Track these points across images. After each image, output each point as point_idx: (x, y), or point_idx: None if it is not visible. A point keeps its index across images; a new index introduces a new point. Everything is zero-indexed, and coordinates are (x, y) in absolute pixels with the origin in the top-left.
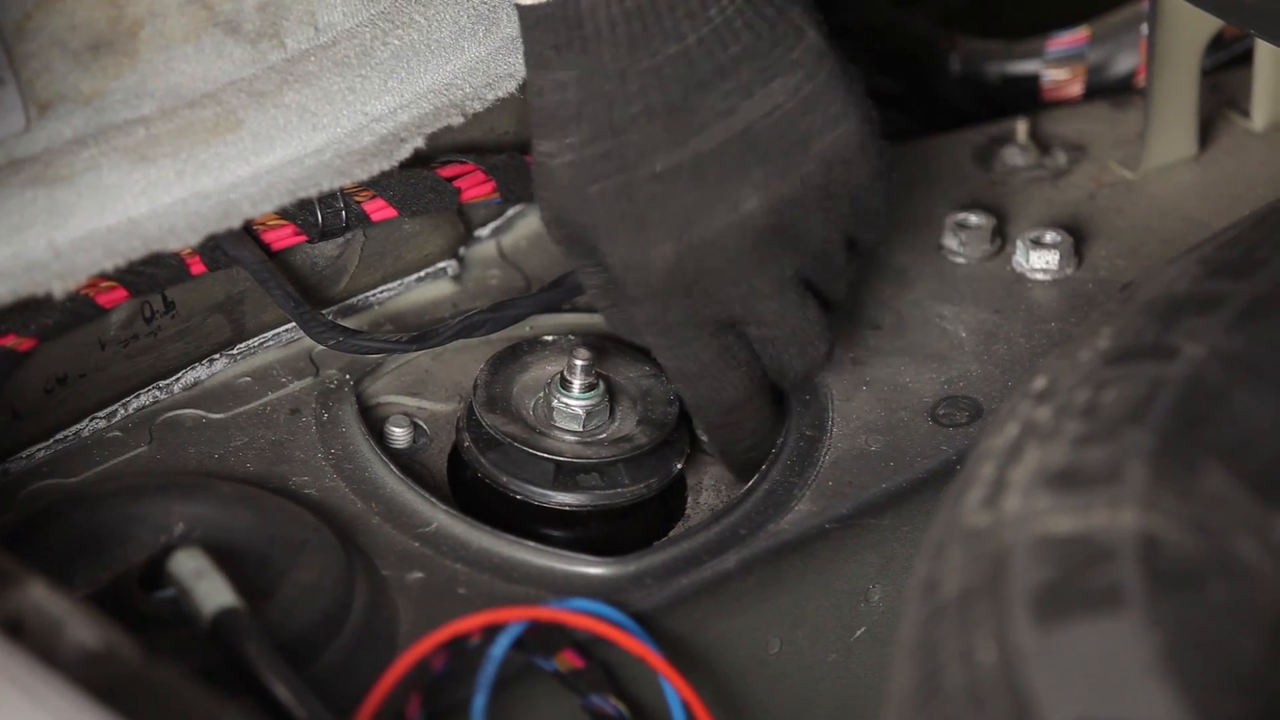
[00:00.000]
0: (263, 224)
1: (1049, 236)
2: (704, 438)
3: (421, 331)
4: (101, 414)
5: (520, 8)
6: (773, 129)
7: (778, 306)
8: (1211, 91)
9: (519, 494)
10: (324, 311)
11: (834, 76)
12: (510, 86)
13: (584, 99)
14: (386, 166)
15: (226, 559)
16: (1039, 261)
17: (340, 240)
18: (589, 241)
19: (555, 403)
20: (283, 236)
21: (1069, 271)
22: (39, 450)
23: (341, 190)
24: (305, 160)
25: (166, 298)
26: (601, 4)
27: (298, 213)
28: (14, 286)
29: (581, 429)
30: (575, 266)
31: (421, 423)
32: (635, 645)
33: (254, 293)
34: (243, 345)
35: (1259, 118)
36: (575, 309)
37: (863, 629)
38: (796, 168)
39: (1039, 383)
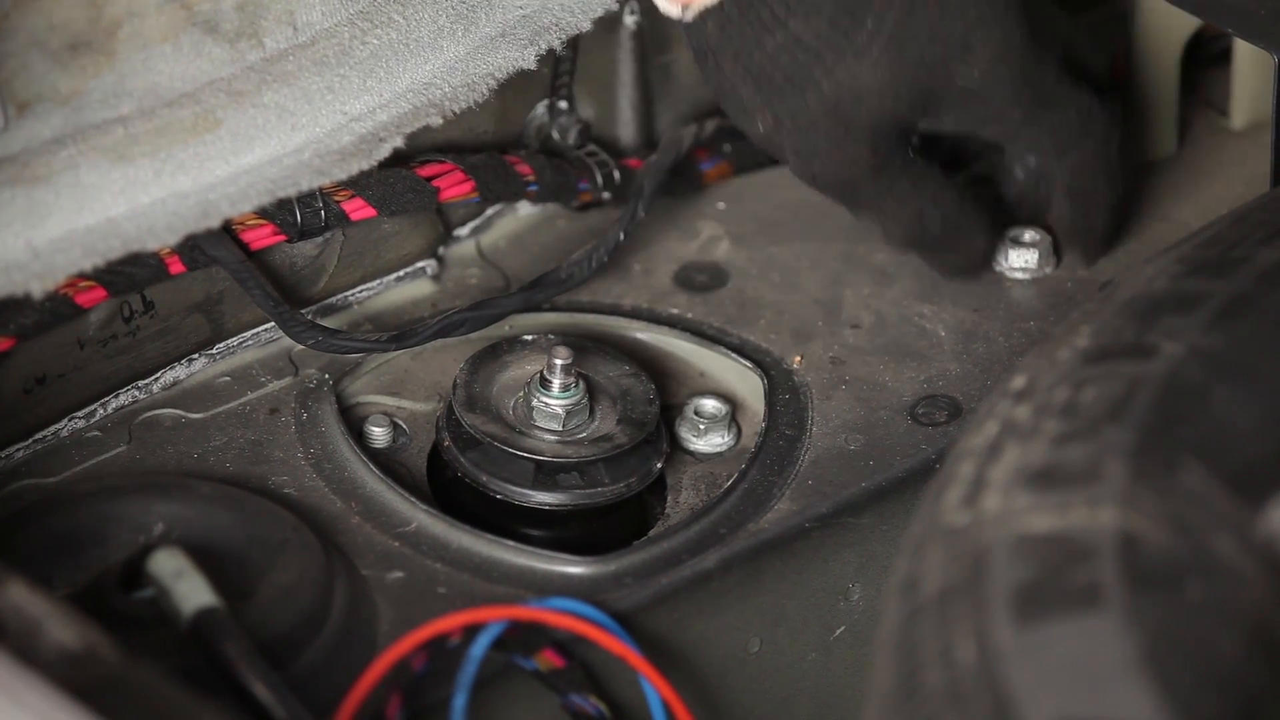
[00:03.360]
0: (241, 223)
1: (1028, 235)
2: None
3: (401, 331)
4: (80, 414)
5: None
6: None
7: None
8: (1190, 90)
9: (499, 493)
10: (303, 311)
11: None
12: (490, 86)
13: None
14: (365, 166)
15: (206, 559)
16: (1018, 260)
17: (319, 240)
18: (943, 85)
19: (535, 402)
20: (261, 236)
21: (1048, 270)
22: (18, 450)
23: (320, 190)
24: (284, 160)
25: (145, 297)
26: None
27: (276, 212)
28: None
29: (561, 428)
30: (963, 117)
31: (401, 422)
32: (615, 644)
33: (233, 292)
34: (222, 345)
35: (1237, 117)
36: (555, 308)
37: (842, 628)
38: None
39: (1018, 381)
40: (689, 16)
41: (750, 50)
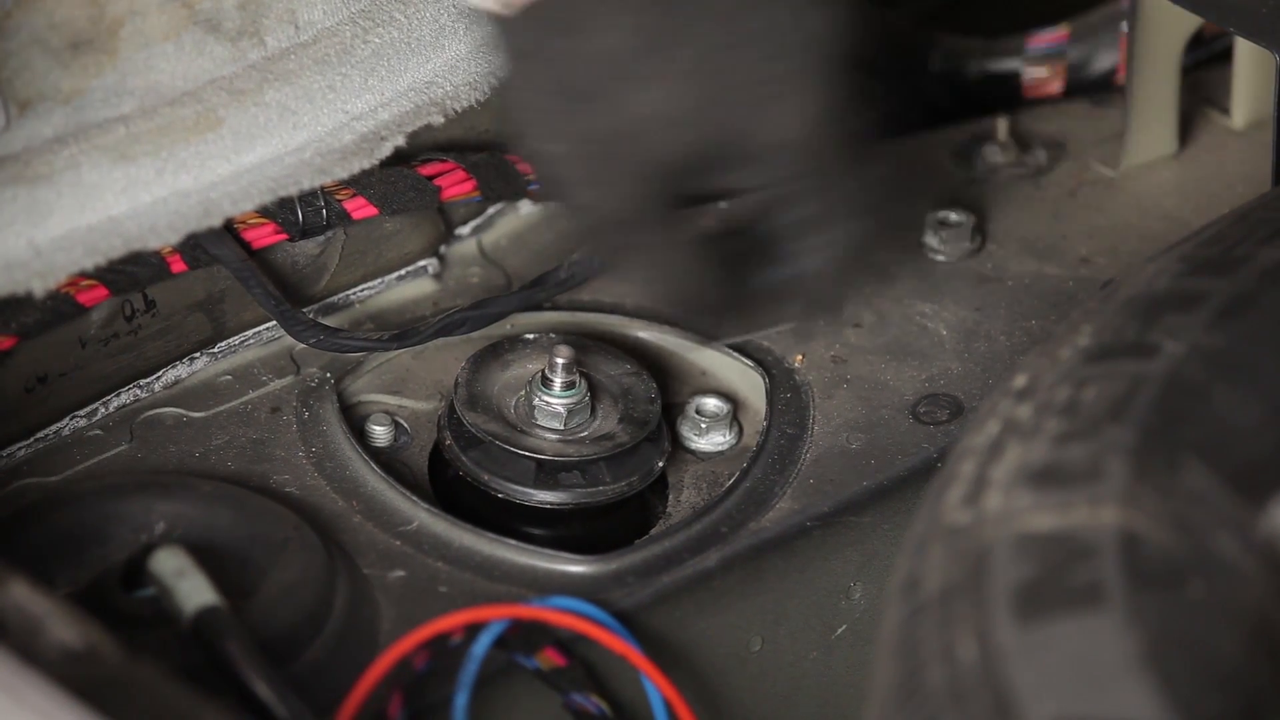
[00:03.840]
0: (243, 222)
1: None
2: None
3: (402, 330)
4: (82, 412)
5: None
6: None
7: None
8: (1191, 89)
9: (500, 492)
10: (305, 310)
11: None
12: (492, 85)
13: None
14: (367, 165)
15: (207, 558)
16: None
17: (321, 238)
18: (739, 141)
19: (536, 401)
20: (263, 235)
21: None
22: (19, 449)
23: (322, 188)
24: (286, 158)
25: (147, 296)
26: None
27: (278, 211)
28: None
29: (563, 427)
30: (746, 177)
31: (403, 421)
32: (617, 643)
33: (235, 291)
34: (223, 343)
35: (1238, 115)
36: (556, 307)
37: (844, 627)
38: None
39: (1020, 380)
40: (510, 13)
41: (563, 58)
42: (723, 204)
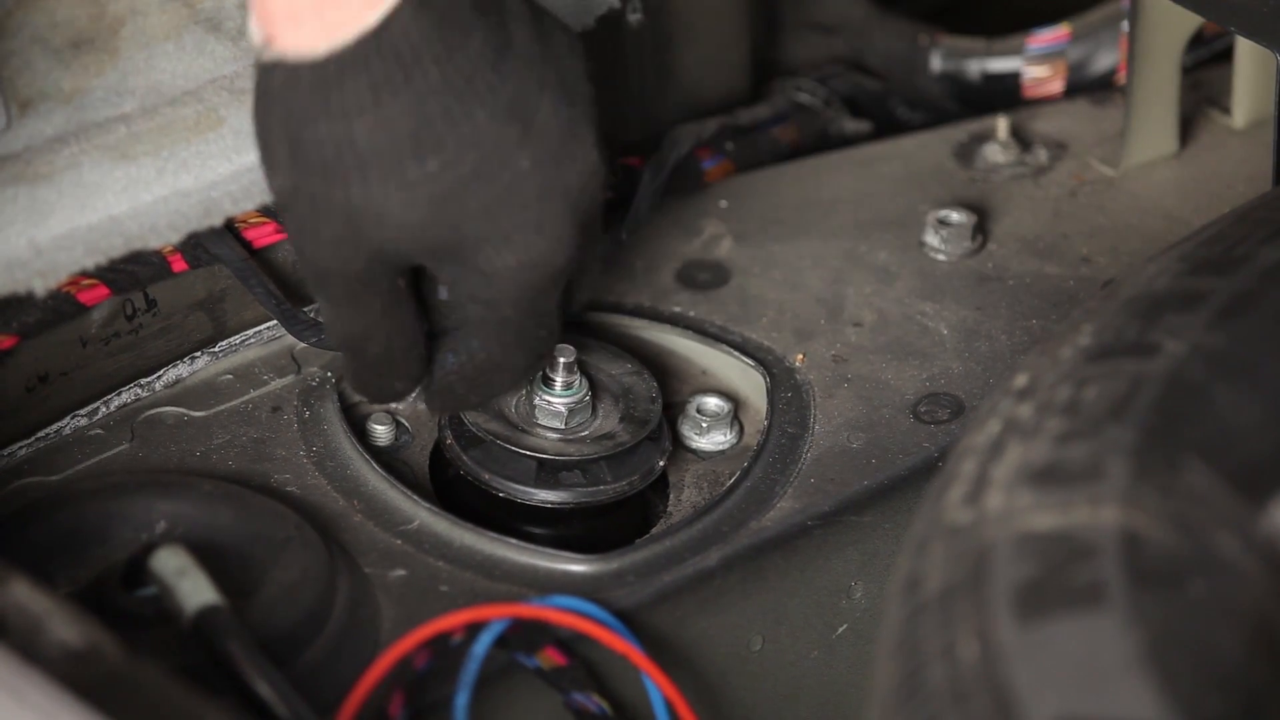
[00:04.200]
0: (244, 221)
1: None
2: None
3: None
4: (83, 412)
5: (310, 65)
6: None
7: None
8: (1192, 89)
9: (501, 491)
10: (305, 309)
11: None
12: None
13: (420, 124)
14: None
15: (208, 557)
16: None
17: None
18: (462, 254)
19: (537, 400)
20: (264, 234)
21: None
22: (20, 448)
23: None
24: None
25: (148, 295)
26: (412, 20)
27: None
28: None
29: (564, 426)
30: (449, 276)
31: (403, 420)
32: (618, 642)
33: (235, 290)
34: (224, 343)
35: (1239, 115)
36: None
37: (845, 626)
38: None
39: (1020, 380)
40: (267, 57)
41: (304, 122)
42: (442, 290)
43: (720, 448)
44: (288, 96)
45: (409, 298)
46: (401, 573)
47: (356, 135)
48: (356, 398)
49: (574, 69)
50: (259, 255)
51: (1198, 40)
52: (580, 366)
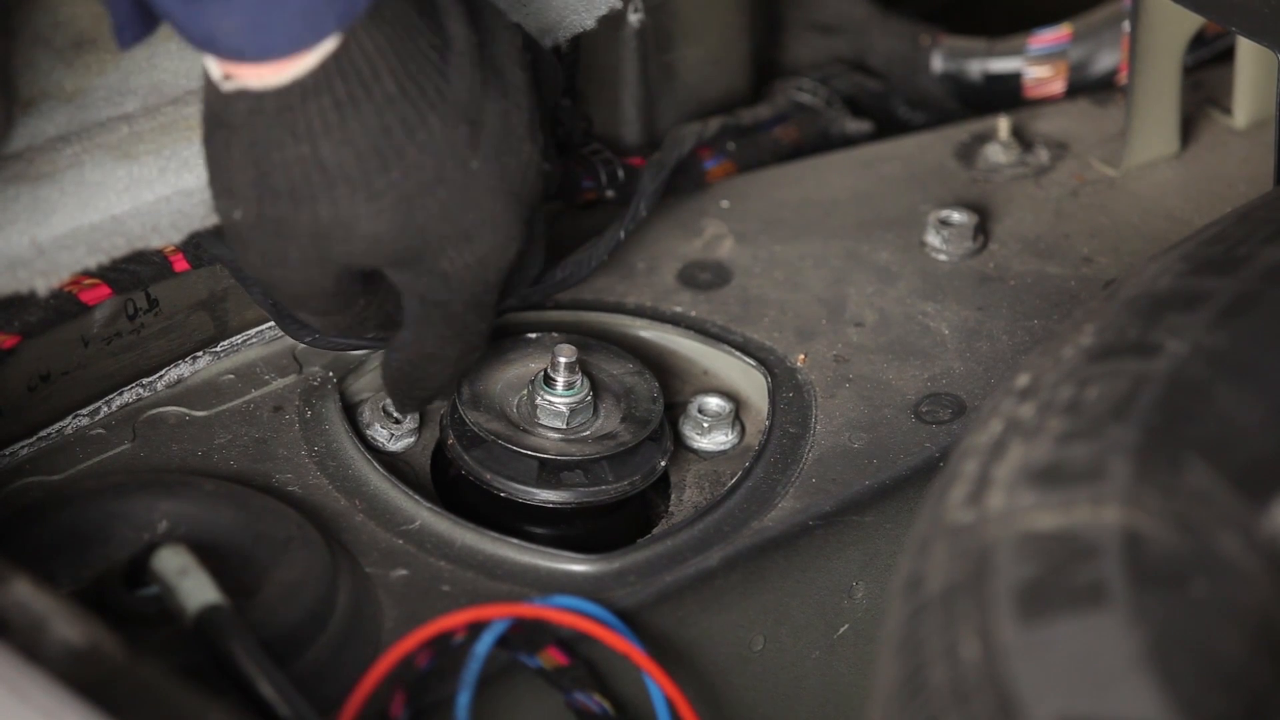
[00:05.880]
0: None
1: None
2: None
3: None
4: (85, 411)
5: (274, 92)
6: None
7: None
8: (1193, 89)
9: (503, 491)
10: None
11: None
12: (561, 36)
13: (379, 142)
14: None
15: (210, 556)
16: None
17: None
18: (424, 257)
19: (539, 400)
20: None
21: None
22: (22, 448)
23: None
24: None
25: (150, 295)
26: (368, 37)
27: None
28: None
29: (565, 426)
30: (406, 281)
31: (403, 419)
32: (619, 642)
33: (237, 290)
34: (226, 342)
35: (1240, 115)
36: (559, 306)
37: (846, 626)
38: None
39: (1022, 380)
40: (228, 88)
41: (270, 148)
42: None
43: (722, 448)
44: (252, 124)
45: (381, 276)
46: (403, 572)
47: (323, 154)
48: (358, 397)
49: (508, 56)
50: None
51: (1199, 40)
52: (582, 366)
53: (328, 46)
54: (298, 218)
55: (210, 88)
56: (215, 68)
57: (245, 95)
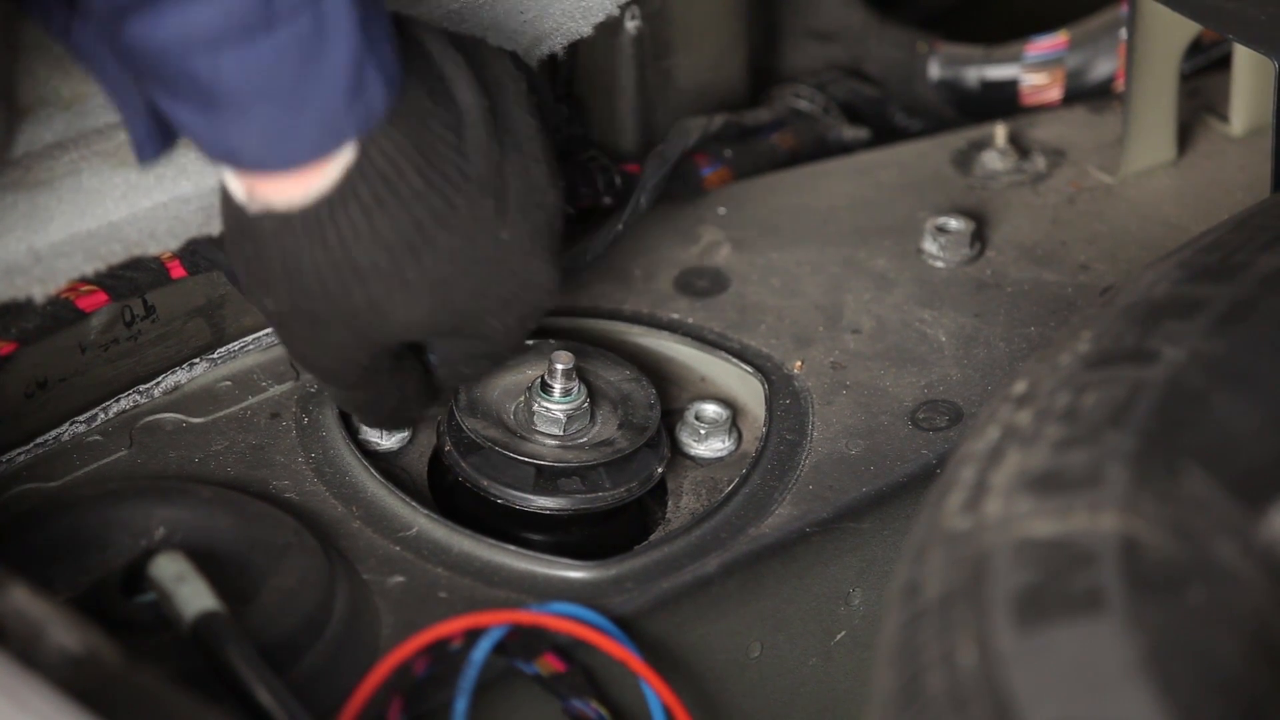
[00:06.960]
0: None
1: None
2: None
3: None
4: (82, 418)
5: (300, 211)
6: None
7: None
8: (1190, 96)
9: (500, 498)
10: None
11: None
12: (558, 43)
13: (407, 234)
14: None
15: (207, 563)
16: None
17: None
18: (463, 329)
19: (536, 407)
20: None
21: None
22: (19, 454)
23: None
24: None
25: (147, 302)
26: (387, 138)
27: None
28: None
29: (562, 433)
30: (447, 348)
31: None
32: (616, 649)
33: (234, 297)
34: (223, 349)
35: (1237, 122)
36: (555, 312)
37: (843, 633)
38: None
39: (1019, 386)
40: (254, 210)
41: (300, 255)
42: (431, 356)
43: (719, 454)
44: (280, 238)
45: (409, 353)
46: (400, 579)
47: (355, 255)
48: None
49: (518, 106)
50: None
51: (1196, 48)
52: (579, 373)
53: (348, 153)
54: (330, 310)
55: (229, 201)
56: (237, 186)
57: (271, 216)
